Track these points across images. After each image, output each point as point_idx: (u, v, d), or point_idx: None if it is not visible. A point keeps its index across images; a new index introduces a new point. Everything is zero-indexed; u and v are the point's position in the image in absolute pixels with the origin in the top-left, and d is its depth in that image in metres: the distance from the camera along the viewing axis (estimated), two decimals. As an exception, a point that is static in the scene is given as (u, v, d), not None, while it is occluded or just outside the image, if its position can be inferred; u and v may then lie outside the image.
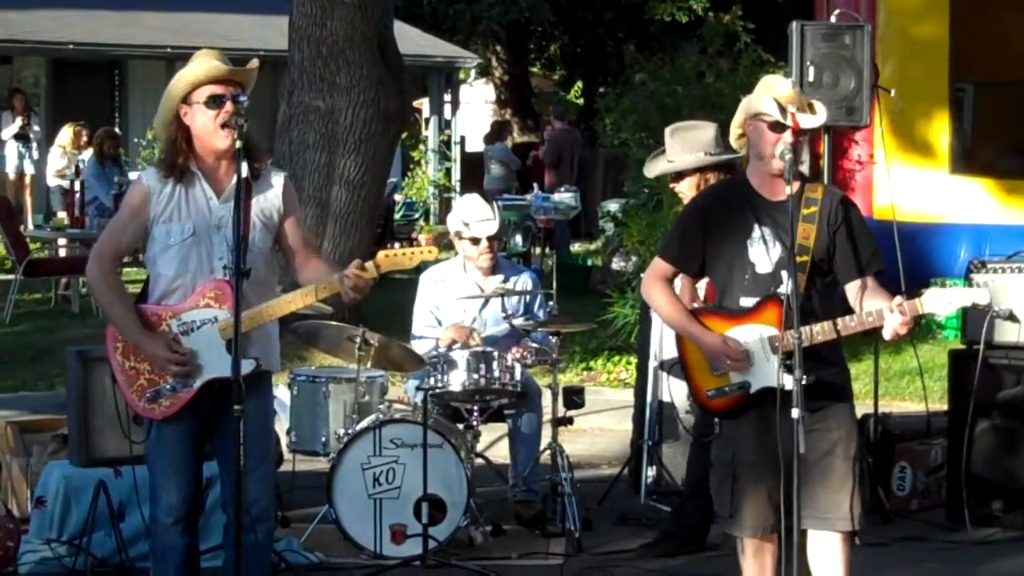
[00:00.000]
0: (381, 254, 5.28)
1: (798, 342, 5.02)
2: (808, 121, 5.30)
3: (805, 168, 8.27)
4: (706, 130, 7.23)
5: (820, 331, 5.17)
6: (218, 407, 5.27)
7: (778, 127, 5.22)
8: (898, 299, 5.13)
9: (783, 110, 5.21)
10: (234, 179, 5.14)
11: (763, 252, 5.27)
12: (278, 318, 5.36)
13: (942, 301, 5.17)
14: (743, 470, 5.30)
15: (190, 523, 5.43)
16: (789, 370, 5.06)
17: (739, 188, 5.38)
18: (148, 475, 5.47)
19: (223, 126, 5.19)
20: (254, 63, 5.35)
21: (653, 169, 7.47)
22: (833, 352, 5.32)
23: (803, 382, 5.00)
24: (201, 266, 5.29)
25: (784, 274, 5.18)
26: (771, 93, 5.28)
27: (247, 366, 5.11)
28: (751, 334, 5.24)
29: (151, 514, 5.47)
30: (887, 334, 5.14)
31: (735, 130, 5.45)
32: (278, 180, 5.41)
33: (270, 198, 5.36)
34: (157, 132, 5.42)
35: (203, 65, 5.25)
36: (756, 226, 5.28)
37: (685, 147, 7.17)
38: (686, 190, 7.13)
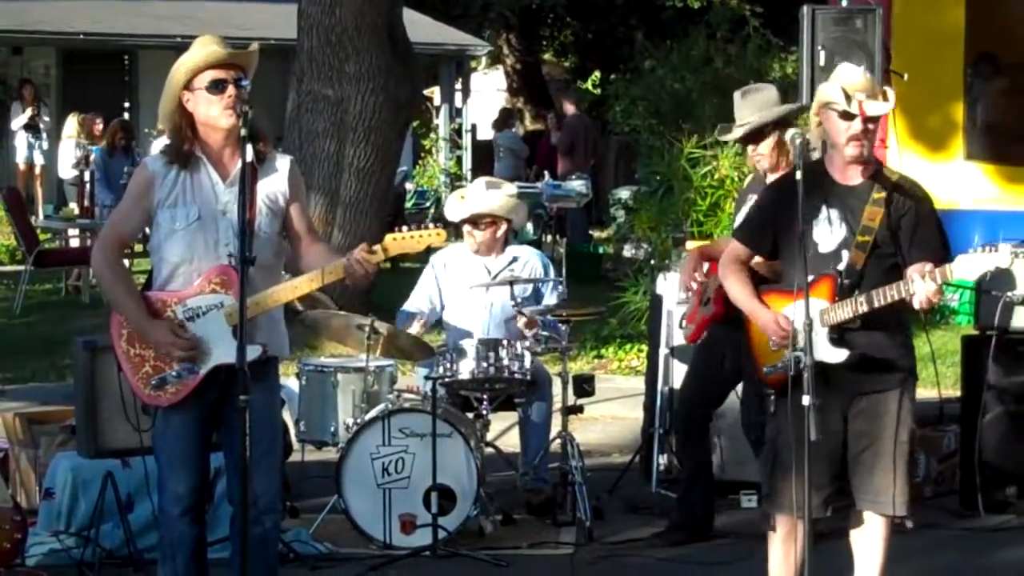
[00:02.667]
0: (389, 237, 5.25)
1: (807, 327, 5.04)
2: (875, 108, 5.37)
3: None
4: (770, 90, 7.17)
5: (861, 302, 5.24)
6: (225, 396, 5.22)
7: (847, 115, 5.32)
8: (928, 266, 5.19)
9: (849, 98, 5.29)
10: (240, 164, 5.09)
11: (827, 232, 5.41)
12: (284, 304, 5.33)
13: (969, 267, 5.21)
14: (783, 449, 5.34)
15: (197, 513, 5.39)
16: (836, 344, 5.26)
17: (814, 173, 5.42)
18: (156, 465, 5.43)
19: (227, 109, 5.16)
20: (254, 46, 5.32)
21: (736, 131, 7.31)
22: (898, 330, 5.42)
23: (844, 359, 5.24)
24: (207, 251, 5.24)
25: (845, 253, 5.33)
26: (840, 82, 5.38)
27: (253, 352, 5.07)
28: (810, 309, 5.24)
29: (159, 504, 5.43)
30: (918, 303, 5.18)
31: (813, 118, 5.53)
32: (284, 164, 5.37)
33: (276, 182, 5.32)
34: (161, 120, 5.39)
35: (202, 50, 5.21)
36: (823, 207, 5.42)
37: (755, 108, 7.02)
38: (766, 151, 6.93)
